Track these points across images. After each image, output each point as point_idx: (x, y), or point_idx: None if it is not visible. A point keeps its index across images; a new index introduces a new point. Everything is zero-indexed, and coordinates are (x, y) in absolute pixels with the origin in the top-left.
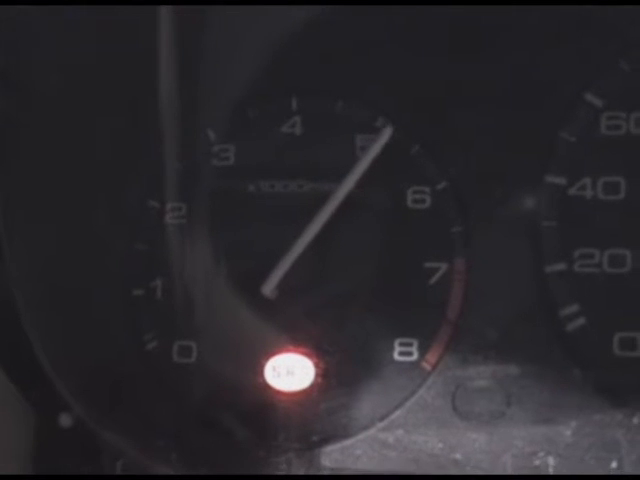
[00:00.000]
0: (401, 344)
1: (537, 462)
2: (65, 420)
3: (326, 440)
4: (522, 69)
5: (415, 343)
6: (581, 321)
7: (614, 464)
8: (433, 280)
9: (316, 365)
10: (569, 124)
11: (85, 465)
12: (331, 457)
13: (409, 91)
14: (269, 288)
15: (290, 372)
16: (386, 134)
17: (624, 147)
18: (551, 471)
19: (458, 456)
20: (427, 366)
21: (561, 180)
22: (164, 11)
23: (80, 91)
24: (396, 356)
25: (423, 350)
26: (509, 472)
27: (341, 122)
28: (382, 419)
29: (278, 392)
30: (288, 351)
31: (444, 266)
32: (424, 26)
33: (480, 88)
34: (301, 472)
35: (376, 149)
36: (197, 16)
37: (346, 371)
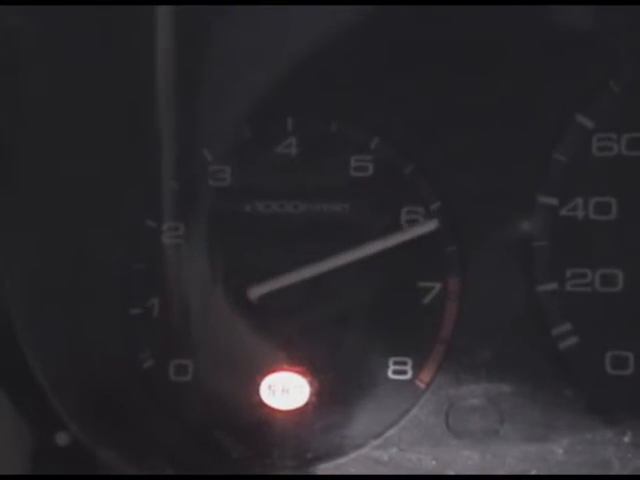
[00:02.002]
0: (395, 362)
1: None
2: (62, 439)
3: (320, 458)
4: (514, 91)
5: (409, 362)
6: (573, 340)
7: None
8: (427, 299)
9: (311, 384)
10: (561, 145)
11: None
12: (325, 475)
13: (404, 112)
14: (256, 293)
15: (285, 390)
16: (431, 225)
17: (615, 168)
18: None
19: (451, 474)
20: (421, 384)
21: (553, 200)
22: (162, 30)
23: (76, 109)
24: (390, 374)
25: (417, 369)
26: None
27: (336, 143)
28: (376, 437)
29: (273, 410)
30: (283, 369)
31: (438, 286)
32: (418, 47)
33: (473, 109)
34: None
35: (414, 233)
36: (194, 36)
37: (341, 389)
